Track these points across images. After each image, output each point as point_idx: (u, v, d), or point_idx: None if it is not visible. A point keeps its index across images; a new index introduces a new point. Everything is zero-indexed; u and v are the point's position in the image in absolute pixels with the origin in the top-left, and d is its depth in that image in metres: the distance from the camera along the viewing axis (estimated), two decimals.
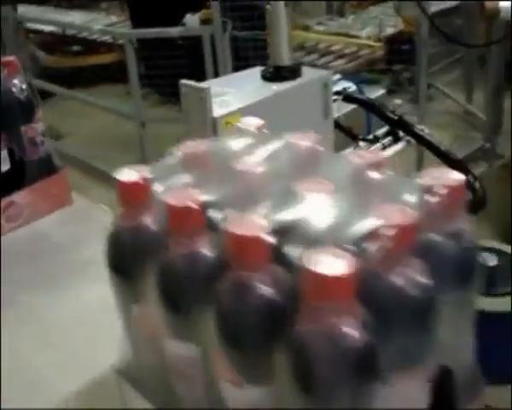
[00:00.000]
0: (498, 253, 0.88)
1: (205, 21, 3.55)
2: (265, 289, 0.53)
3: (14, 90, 1.41)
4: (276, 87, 1.42)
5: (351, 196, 0.60)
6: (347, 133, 1.53)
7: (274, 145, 0.72)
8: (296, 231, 0.56)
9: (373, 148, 1.51)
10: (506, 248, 0.91)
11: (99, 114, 4.63)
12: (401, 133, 1.54)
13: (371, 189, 0.61)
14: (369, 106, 1.54)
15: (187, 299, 0.58)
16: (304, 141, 0.73)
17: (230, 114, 1.30)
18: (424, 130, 1.55)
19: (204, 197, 0.60)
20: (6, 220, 1.36)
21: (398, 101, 4.35)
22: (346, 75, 2.42)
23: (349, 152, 0.68)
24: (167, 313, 0.60)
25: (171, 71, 3.53)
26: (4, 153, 1.38)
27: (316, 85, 1.46)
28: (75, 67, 5.71)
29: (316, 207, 0.59)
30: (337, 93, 1.52)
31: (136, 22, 3.84)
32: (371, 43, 4.67)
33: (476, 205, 1.31)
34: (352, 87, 1.63)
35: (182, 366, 0.63)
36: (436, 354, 0.58)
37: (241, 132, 0.77)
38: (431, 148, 1.49)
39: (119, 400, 0.77)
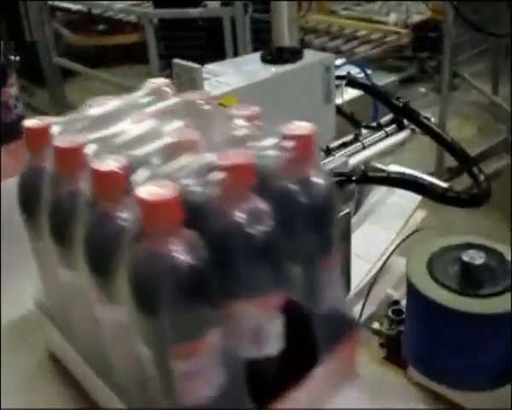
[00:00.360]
0: (488, 251, 0.83)
1: (226, 3, 3.50)
2: (120, 218, 0.61)
3: None
4: (274, 69, 1.38)
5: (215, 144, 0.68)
6: (349, 119, 1.48)
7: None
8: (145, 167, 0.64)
9: (375, 135, 1.46)
10: (499, 246, 0.86)
11: (121, 94, 4.60)
12: (406, 121, 1.49)
13: (233, 136, 0.70)
14: (373, 91, 1.48)
15: (64, 228, 0.67)
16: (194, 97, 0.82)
17: (223, 94, 1.26)
18: (430, 119, 1.49)
19: (86, 139, 0.69)
20: None
21: (422, 89, 4.26)
22: (354, 60, 2.36)
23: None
24: (57, 246, 0.69)
25: (190, 52, 3.47)
26: None
27: (317, 68, 1.40)
28: (99, 46, 5.69)
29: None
30: (341, 77, 1.46)
31: (158, 2, 3.80)
32: (397, 29, 4.60)
33: (480, 197, 1.26)
34: (358, 72, 1.56)
35: (71, 292, 0.72)
36: (285, 290, 0.66)
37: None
38: (435, 137, 1.43)
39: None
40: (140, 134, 0.72)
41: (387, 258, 1.15)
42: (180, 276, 0.57)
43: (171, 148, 0.67)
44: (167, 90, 0.86)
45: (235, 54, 3.38)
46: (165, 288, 0.57)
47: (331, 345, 0.73)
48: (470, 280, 0.78)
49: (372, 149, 1.45)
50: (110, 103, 0.82)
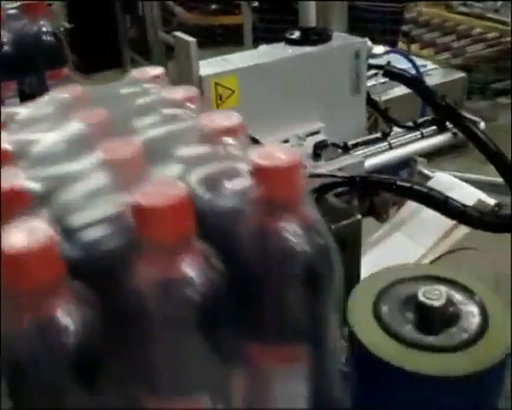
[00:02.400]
0: (452, 285, 0.66)
1: None
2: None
3: (37, 33, 1.36)
4: (291, 50, 1.23)
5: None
6: (382, 115, 1.31)
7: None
8: None
9: (408, 136, 1.28)
10: (466, 279, 0.68)
11: None
12: (449, 124, 1.30)
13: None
14: (413, 85, 1.30)
15: None
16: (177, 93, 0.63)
17: (222, 74, 1.13)
18: (479, 123, 1.29)
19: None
20: None
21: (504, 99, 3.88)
22: (402, 50, 2.13)
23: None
24: None
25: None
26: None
27: (345, 54, 1.24)
28: (209, 25, 5.68)
29: None
30: (378, 67, 1.29)
31: None
32: None
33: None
34: (406, 64, 1.38)
35: None
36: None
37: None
38: (479, 145, 1.23)
39: None
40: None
41: None
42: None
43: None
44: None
45: None
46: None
47: None
48: (427, 327, 0.61)
49: (400, 150, 1.27)
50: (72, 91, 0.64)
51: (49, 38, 1.39)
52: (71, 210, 0.48)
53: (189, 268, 0.45)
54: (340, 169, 1.14)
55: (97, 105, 0.58)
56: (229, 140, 0.53)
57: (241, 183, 0.49)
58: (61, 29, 1.44)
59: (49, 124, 0.58)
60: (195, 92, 0.63)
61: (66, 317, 0.42)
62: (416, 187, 1.02)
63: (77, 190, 0.49)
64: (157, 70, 0.68)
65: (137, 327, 0.44)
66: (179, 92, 0.62)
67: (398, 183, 1.02)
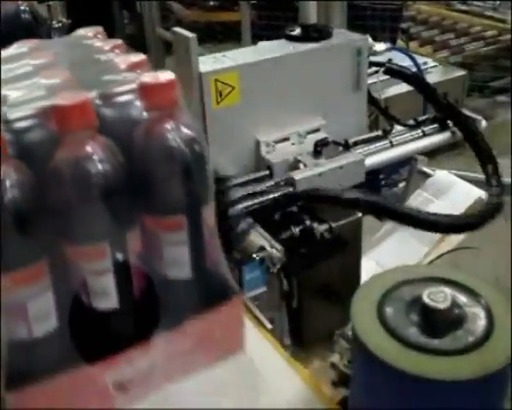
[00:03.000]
0: (457, 287, 0.65)
1: None
2: None
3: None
4: (292, 47, 1.21)
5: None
6: (383, 112, 1.29)
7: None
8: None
9: (409, 134, 1.27)
10: (471, 280, 0.67)
11: None
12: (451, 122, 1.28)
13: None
14: (414, 82, 1.29)
15: None
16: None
17: (222, 70, 1.11)
18: (481, 122, 1.28)
19: None
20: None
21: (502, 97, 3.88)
22: (402, 48, 2.12)
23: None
24: None
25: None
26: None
27: (346, 50, 1.23)
28: (208, 22, 5.67)
29: None
30: (378, 64, 1.28)
31: None
32: None
33: (473, 223, 1.08)
34: (406, 61, 1.37)
35: None
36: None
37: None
38: (475, 146, 1.21)
39: None
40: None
41: None
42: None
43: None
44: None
45: None
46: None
47: (197, 310, 0.75)
48: (432, 330, 0.60)
49: (401, 148, 1.26)
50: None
51: (27, 16, 1.42)
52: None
53: (94, 151, 0.64)
54: (341, 167, 1.13)
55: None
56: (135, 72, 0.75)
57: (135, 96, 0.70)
58: (60, 24, 1.46)
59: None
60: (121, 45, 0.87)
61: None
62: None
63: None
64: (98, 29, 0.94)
65: (58, 193, 0.64)
66: (108, 45, 0.86)
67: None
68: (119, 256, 0.67)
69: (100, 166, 0.64)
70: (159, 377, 0.74)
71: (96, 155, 0.64)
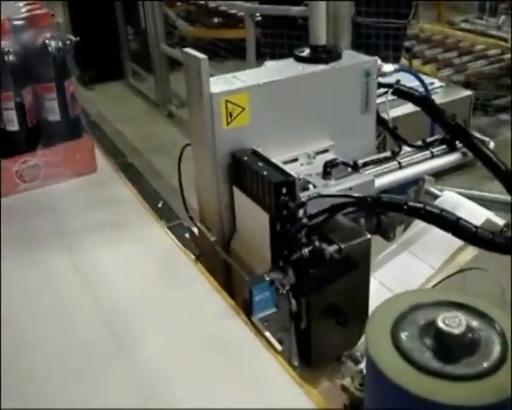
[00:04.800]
0: (471, 312, 0.65)
1: None
2: None
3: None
4: (301, 68, 1.22)
5: None
6: (391, 133, 1.30)
7: None
8: None
9: (418, 155, 1.27)
10: (485, 305, 0.67)
11: None
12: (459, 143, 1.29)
13: None
14: (423, 104, 1.29)
15: None
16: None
17: (233, 91, 1.12)
18: (488, 142, 1.28)
19: None
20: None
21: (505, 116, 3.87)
22: (410, 69, 2.12)
23: None
24: None
25: (289, 51, 3.37)
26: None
27: (356, 72, 1.23)
28: (212, 39, 5.69)
29: None
30: (387, 85, 1.28)
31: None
32: None
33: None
34: (415, 82, 1.37)
35: None
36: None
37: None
38: (489, 165, 1.22)
39: None
40: None
41: None
42: None
43: None
44: None
45: None
46: None
47: (63, 139, 1.60)
48: (447, 355, 0.60)
49: (410, 169, 1.26)
50: None
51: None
52: None
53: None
54: (350, 188, 1.13)
55: None
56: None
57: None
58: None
59: None
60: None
61: None
62: (428, 208, 1.01)
63: None
64: None
65: None
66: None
67: (410, 204, 1.02)
68: (19, 101, 1.47)
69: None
70: (41, 176, 1.55)
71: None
